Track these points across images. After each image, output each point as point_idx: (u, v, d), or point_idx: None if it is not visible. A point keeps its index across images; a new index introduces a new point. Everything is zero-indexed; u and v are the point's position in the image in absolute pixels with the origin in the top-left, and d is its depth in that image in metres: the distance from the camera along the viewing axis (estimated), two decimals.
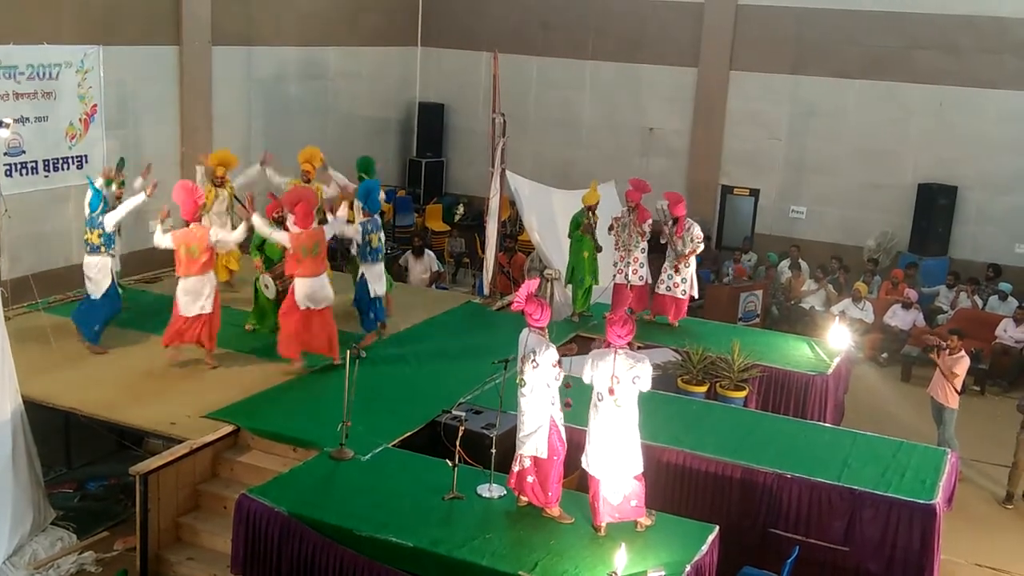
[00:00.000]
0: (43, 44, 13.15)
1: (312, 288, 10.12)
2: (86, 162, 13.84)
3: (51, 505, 9.16)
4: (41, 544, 8.71)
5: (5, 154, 12.55)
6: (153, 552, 8.36)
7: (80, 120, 13.81)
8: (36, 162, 13.25)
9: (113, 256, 10.89)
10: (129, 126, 14.52)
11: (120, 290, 11.12)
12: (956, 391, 11.01)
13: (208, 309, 10.21)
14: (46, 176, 13.38)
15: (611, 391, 7.18)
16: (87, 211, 10.69)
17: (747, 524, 8.56)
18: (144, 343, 10.94)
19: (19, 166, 12.98)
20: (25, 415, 8.91)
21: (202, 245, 10.13)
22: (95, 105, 13.94)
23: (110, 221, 10.59)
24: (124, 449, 10.02)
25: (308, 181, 12.44)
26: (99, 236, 10.55)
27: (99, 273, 10.60)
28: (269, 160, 12.88)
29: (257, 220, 10.54)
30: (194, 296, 10.13)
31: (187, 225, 10.23)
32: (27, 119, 12.94)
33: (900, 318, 15.15)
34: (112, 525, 9.18)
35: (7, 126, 10.02)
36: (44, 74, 13.21)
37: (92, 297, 10.67)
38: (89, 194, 10.75)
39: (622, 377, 7.17)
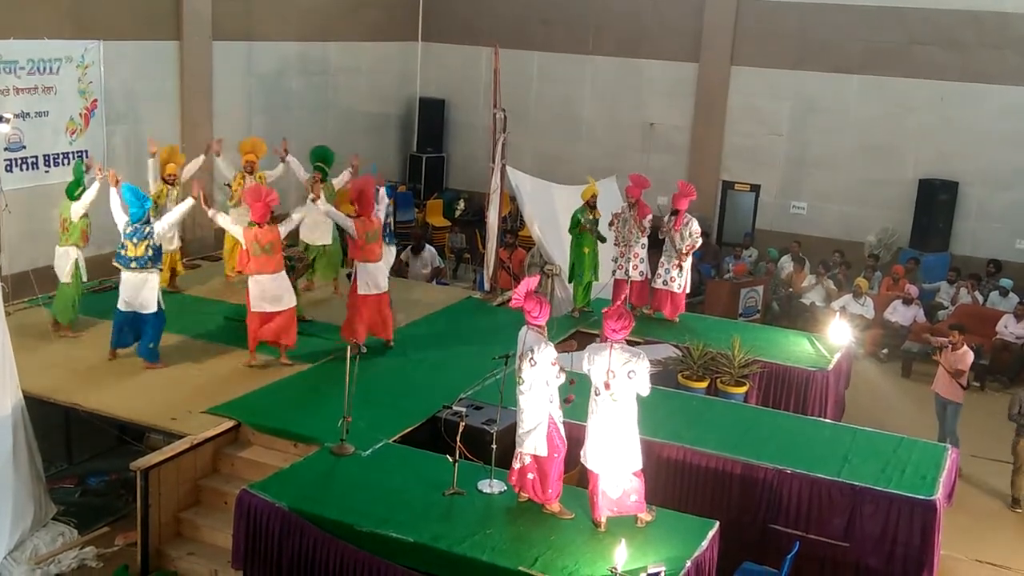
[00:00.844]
0: (43, 39, 13.14)
1: (374, 273, 10.52)
2: (86, 157, 13.81)
3: (52, 500, 9.16)
4: (42, 539, 8.71)
5: (5, 149, 12.55)
6: (154, 547, 8.37)
7: (80, 115, 13.80)
8: (36, 157, 13.25)
9: (161, 271, 10.43)
10: (129, 121, 14.51)
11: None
12: (962, 386, 11.02)
13: (292, 303, 10.27)
14: (47, 171, 13.38)
15: (607, 385, 7.18)
16: (124, 219, 10.02)
17: (747, 520, 8.57)
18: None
19: (19, 161, 12.99)
20: (26, 410, 8.90)
21: (276, 243, 10.13)
22: (95, 100, 13.94)
23: (161, 230, 10.14)
24: (125, 444, 10.03)
25: (252, 172, 12.45)
26: (148, 248, 9.95)
27: (152, 291, 10.08)
28: (217, 149, 12.74)
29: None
30: (273, 293, 10.14)
31: (259, 226, 10.06)
32: (27, 114, 12.95)
33: (901, 314, 15.15)
34: (113, 520, 9.17)
35: (7, 121, 9.99)
36: (44, 69, 13.21)
37: (143, 312, 10.10)
38: (116, 199, 10.19)
39: (617, 372, 7.17)
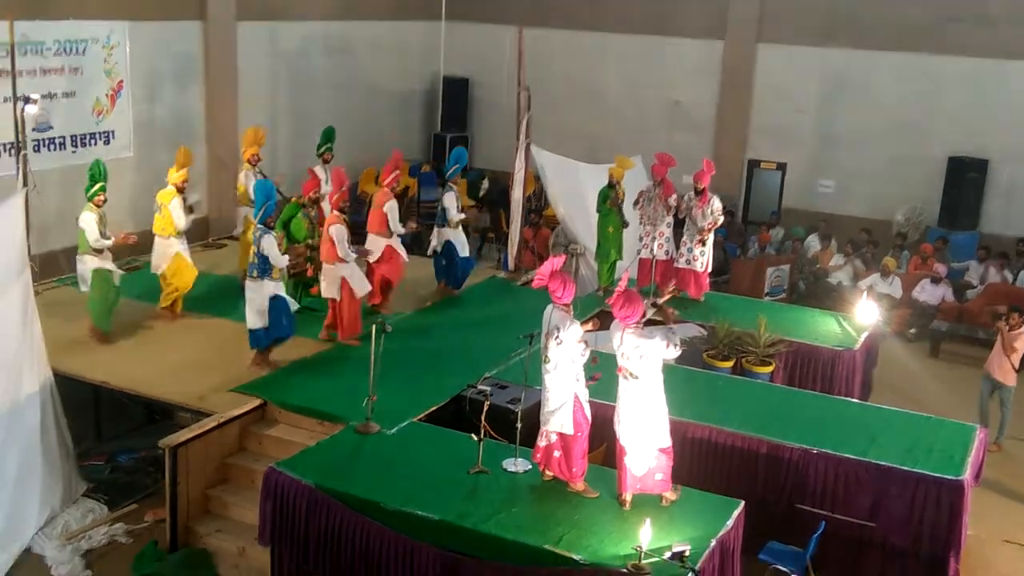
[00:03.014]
0: (69, 19, 13.19)
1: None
2: (113, 138, 13.92)
3: (82, 477, 9.29)
4: (73, 515, 8.84)
5: (33, 130, 12.61)
6: (183, 524, 8.46)
7: (107, 95, 13.87)
8: (64, 138, 13.32)
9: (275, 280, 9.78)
10: (155, 101, 14.56)
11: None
12: (1014, 368, 10.93)
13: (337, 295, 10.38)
14: (74, 152, 13.45)
15: (620, 368, 7.24)
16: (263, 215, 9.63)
17: (773, 499, 8.55)
18: (170, 318, 11.04)
19: (47, 142, 13.06)
20: (55, 388, 9.03)
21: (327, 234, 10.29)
22: (121, 80, 14.00)
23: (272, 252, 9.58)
24: (153, 422, 10.13)
25: (255, 165, 12.13)
26: (254, 255, 9.58)
27: (251, 303, 9.67)
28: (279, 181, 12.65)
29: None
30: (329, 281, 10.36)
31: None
32: (54, 95, 13.02)
33: (929, 293, 15.01)
34: (142, 497, 9.28)
35: (34, 102, 10.08)
36: (71, 50, 13.26)
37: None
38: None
39: (629, 354, 7.20)
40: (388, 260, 11.28)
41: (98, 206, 10.14)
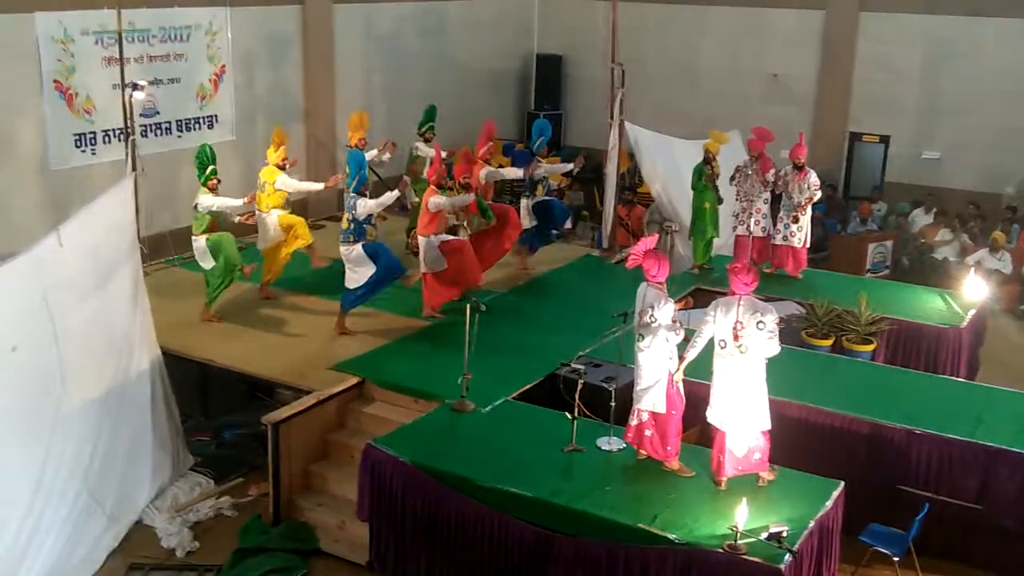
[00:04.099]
0: (174, 7, 13.54)
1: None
2: (216, 122, 14.27)
3: (190, 452, 9.60)
4: (181, 489, 9.14)
5: (140, 115, 13.01)
6: (285, 498, 8.68)
7: (210, 81, 14.21)
8: (169, 123, 13.72)
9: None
10: (256, 86, 14.88)
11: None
12: None
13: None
14: (179, 136, 13.85)
15: (736, 337, 7.11)
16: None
17: (875, 481, 8.35)
18: (271, 297, 11.35)
19: (153, 127, 13.46)
20: (163, 366, 9.34)
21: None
22: (223, 66, 14.33)
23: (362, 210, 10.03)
24: (256, 400, 10.41)
25: (362, 149, 11.97)
26: (349, 221, 10.08)
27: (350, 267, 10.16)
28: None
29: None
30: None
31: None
32: (160, 81, 13.39)
33: None
34: (246, 472, 9.53)
35: (142, 88, 10.36)
36: (175, 36, 13.62)
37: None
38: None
39: (746, 323, 7.10)
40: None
41: (212, 189, 10.40)
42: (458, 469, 7.58)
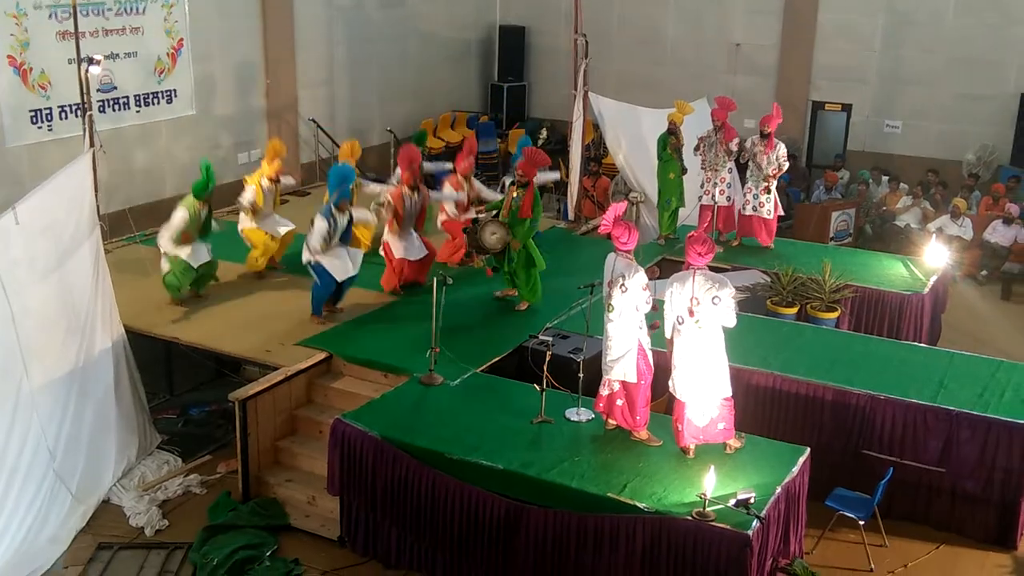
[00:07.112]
0: None
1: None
2: (175, 96, 14.05)
3: (156, 430, 9.54)
4: (148, 467, 9.09)
5: (97, 90, 12.80)
6: (254, 474, 8.65)
7: (168, 55, 13.98)
8: (127, 97, 13.49)
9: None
10: (215, 59, 14.66)
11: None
12: None
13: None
14: (137, 111, 13.63)
15: (691, 312, 7.13)
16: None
17: (839, 446, 8.47)
18: (236, 274, 11.22)
19: (111, 102, 13.24)
20: (128, 344, 9.26)
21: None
22: (181, 39, 14.10)
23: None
24: (222, 376, 10.34)
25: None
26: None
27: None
28: None
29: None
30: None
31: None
32: (117, 55, 13.16)
33: (1001, 234, 14.63)
34: (214, 449, 9.50)
35: (98, 63, 10.17)
36: (131, 9, 13.37)
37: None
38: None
39: (702, 298, 7.11)
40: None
41: (201, 208, 10.17)
42: (428, 443, 7.59)
